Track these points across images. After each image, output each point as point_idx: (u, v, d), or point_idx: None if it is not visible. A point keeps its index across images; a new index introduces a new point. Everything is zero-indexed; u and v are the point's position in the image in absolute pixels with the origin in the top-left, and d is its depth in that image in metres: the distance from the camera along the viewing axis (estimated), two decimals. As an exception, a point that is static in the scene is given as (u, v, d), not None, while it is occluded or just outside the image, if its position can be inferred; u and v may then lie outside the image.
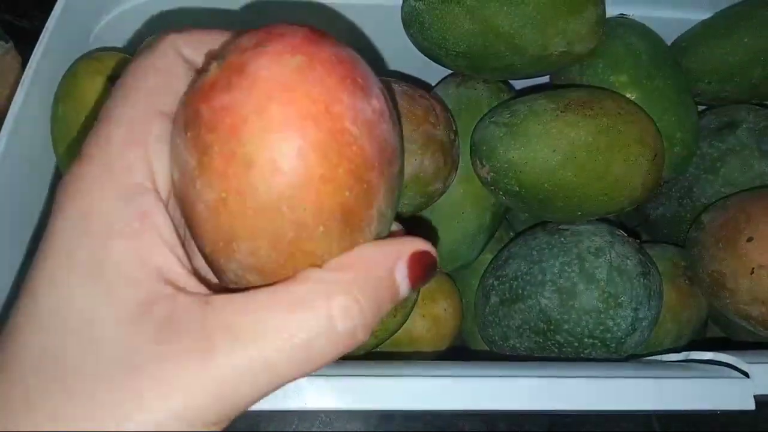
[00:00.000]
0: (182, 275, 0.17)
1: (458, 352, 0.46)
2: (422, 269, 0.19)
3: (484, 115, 0.39)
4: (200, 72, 0.19)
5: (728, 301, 0.36)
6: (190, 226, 0.19)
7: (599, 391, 0.30)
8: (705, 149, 0.44)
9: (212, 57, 0.18)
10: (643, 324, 0.37)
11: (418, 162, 0.35)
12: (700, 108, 0.48)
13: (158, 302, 0.17)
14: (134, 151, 0.18)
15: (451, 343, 0.44)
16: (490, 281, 0.41)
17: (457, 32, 0.38)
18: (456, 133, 0.38)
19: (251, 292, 0.17)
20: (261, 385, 0.16)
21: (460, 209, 0.41)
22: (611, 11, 0.45)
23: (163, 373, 0.16)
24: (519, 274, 0.39)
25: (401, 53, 0.43)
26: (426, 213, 0.41)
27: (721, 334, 0.47)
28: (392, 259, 0.19)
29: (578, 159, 0.35)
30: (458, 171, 0.40)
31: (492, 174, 0.37)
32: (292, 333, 0.16)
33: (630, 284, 0.36)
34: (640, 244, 0.39)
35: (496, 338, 0.41)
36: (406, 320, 0.38)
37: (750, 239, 0.34)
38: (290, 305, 0.17)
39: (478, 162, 0.38)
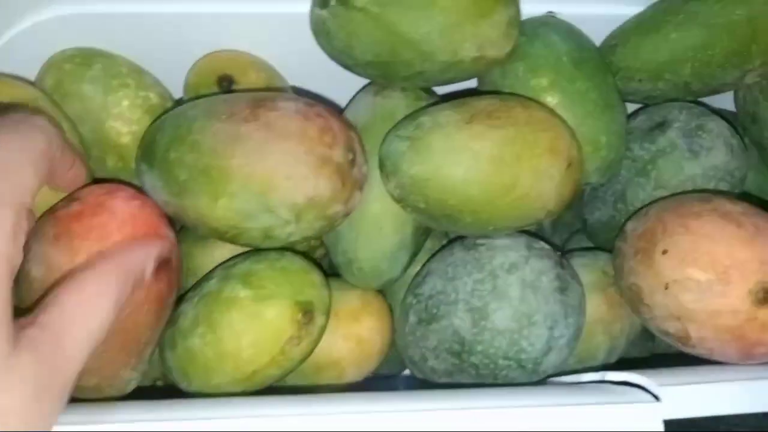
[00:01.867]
0: None
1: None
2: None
3: (393, 127, 0.37)
4: (57, 208, 0.31)
5: (647, 316, 0.35)
6: None
7: (497, 422, 0.28)
8: (636, 151, 0.42)
9: (70, 200, 0.31)
10: (560, 342, 0.35)
11: (311, 185, 0.33)
12: (636, 106, 0.46)
13: None
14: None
15: (379, 362, 0.43)
16: (409, 299, 0.39)
17: (362, 41, 0.37)
18: (359, 151, 0.36)
19: None
20: None
21: (378, 226, 0.39)
22: (539, 9, 0.43)
23: None
24: (434, 292, 0.37)
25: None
26: (344, 229, 0.40)
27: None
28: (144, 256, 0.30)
29: (483, 173, 0.34)
30: (375, 187, 0.39)
31: (398, 190, 0.36)
32: None
33: (544, 301, 0.35)
34: (562, 255, 0.37)
35: (416, 359, 0.39)
36: (312, 348, 0.37)
37: (665, 252, 0.33)
38: None
39: (385, 178, 0.36)
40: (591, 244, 0.47)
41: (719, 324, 0.31)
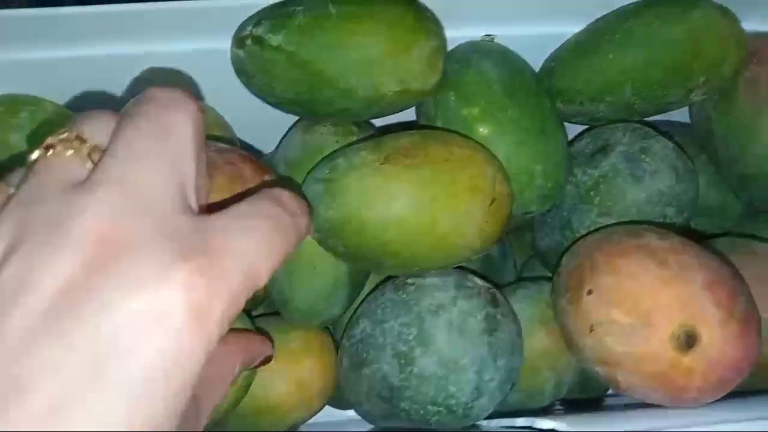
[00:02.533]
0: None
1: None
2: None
3: (312, 168, 0.36)
4: None
5: (579, 358, 0.33)
6: None
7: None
8: (580, 177, 0.40)
9: None
10: (491, 386, 0.34)
11: None
12: (583, 127, 0.44)
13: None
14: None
15: (323, 402, 0.42)
16: (343, 341, 0.38)
17: (281, 79, 0.36)
18: None
19: None
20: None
21: (310, 266, 0.38)
22: (476, 32, 0.42)
23: None
24: (364, 336, 0.36)
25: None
26: (279, 271, 0.39)
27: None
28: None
29: (399, 216, 0.32)
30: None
31: (317, 234, 0.35)
32: None
33: (471, 345, 0.33)
34: (496, 293, 0.36)
35: (353, 402, 0.38)
36: (239, 397, 0.36)
37: (590, 292, 0.31)
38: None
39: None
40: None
41: (644, 370, 0.29)
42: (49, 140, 0.18)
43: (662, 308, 0.29)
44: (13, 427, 0.14)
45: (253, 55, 0.36)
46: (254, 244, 0.17)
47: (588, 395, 0.45)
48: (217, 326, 0.16)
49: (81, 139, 0.18)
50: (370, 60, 0.35)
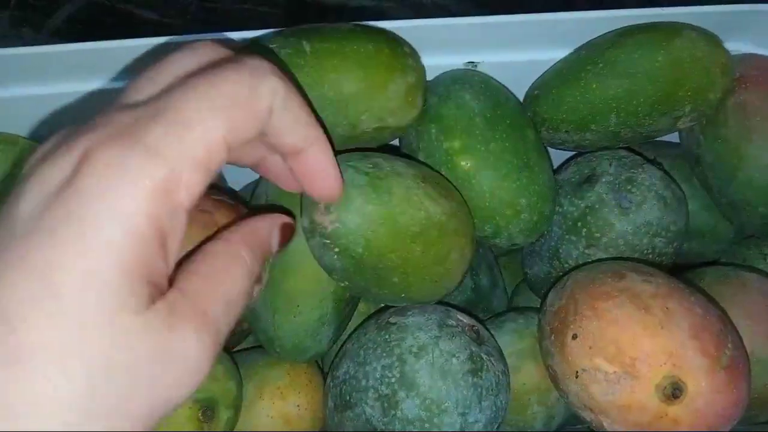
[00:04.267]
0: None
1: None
2: (286, 235, 0.26)
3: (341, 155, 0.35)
4: None
5: (566, 401, 0.33)
6: None
7: None
8: (567, 207, 0.39)
9: None
10: (476, 428, 0.33)
11: None
12: (571, 154, 0.43)
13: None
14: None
15: (312, 437, 0.41)
16: (328, 381, 0.38)
17: (258, 118, 0.35)
18: None
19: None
20: None
21: (293, 303, 0.38)
22: (459, 60, 0.41)
23: None
24: (347, 377, 0.36)
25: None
26: (260, 309, 0.38)
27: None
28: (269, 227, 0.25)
29: (430, 236, 0.32)
30: (287, 263, 0.37)
31: (337, 225, 0.32)
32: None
33: (455, 386, 0.33)
34: (479, 330, 0.35)
35: (339, 443, 0.37)
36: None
37: (575, 336, 0.30)
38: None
39: (322, 206, 0.32)
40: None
41: (630, 419, 0.29)
42: None
43: (647, 357, 0.28)
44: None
45: (229, 93, 0.35)
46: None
47: (583, 426, 0.45)
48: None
49: None
50: (345, 98, 0.34)
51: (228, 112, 0.20)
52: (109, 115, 0.20)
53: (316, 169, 0.25)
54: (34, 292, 0.17)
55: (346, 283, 0.34)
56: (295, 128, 0.23)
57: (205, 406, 0.33)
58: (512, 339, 0.39)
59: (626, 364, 0.28)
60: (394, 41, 0.36)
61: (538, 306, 0.42)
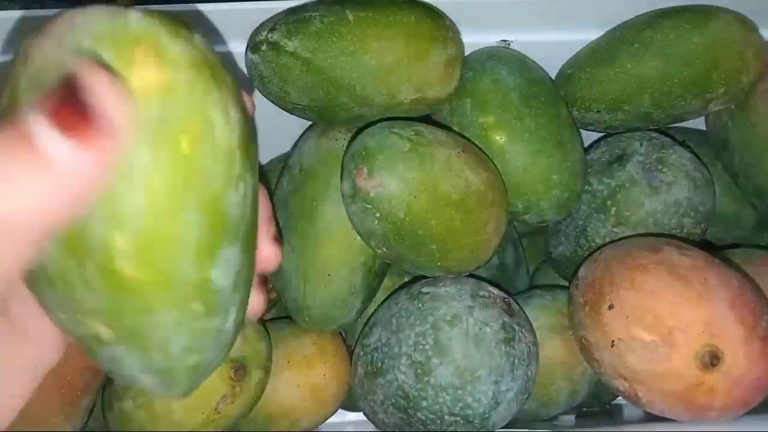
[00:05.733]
0: None
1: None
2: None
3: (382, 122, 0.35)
4: None
5: (598, 371, 0.33)
6: None
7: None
8: (596, 186, 0.40)
9: None
10: (508, 396, 0.34)
11: None
12: (600, 135, 0.44)
13: None
14: None
15: (336, 407, 0.42)
16: (357, 350, 0.38)
17: (296, 85, 0.35)
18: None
19: None
20: None
21: (324, 272, 0.38)
22: (492, 38, 0.41)
23: None
24: (379, 345, 0.36)
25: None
26: (292, 276, 0.39)
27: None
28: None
29: (469, 205, 0.33)
30: (321, 233, 0.37)
31: (379, 190, 0.32)
32: None
33: (488, 355, 0.33)
34: (511, 302, 0.36)
35: (367, 411, 0.38)
36: (252, 403, 0.36)
37: (611, 307, 0.31)
38: None
39: (365, 171, 0.32)
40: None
41: (666, 388, 0.29)
42: None
43: (685, 327, 0.29)
44: None
45: (268, 60, 0.35)
46: None
47: (600, 403, 0.45)
48: None
49: None
50: (386, 67, 0.35)
51: None
52: None
53: None
54: None
55: (384, 249, 0.35)
56: None
57: (237, 366, 0.34)
58: (539, 314, 0.39)
59: (664, 333, 0.29)
60: (435, 13, 0.36)
61: (562, 286, 0.43)
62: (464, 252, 0.34)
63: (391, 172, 0.32)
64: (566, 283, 0.43)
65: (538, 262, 0.50)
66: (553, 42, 0.42)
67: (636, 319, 0.30)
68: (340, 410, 0.44)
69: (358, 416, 0.46)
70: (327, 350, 0.41)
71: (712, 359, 0.28)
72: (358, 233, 0.36)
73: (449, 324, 0.34)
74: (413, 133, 0.33)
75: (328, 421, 0.43)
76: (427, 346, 0.34)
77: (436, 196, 0.32)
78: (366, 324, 0.39)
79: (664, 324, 0.29)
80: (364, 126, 0.36)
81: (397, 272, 0.44)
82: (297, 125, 0.42)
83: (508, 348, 0.34)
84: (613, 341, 0.30)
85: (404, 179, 0.32)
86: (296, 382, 0.40)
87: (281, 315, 0.44)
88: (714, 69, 0.37)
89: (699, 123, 0.46)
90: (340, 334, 0.44)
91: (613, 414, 0.43)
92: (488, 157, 0.36)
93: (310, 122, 0.41)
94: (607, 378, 0.32)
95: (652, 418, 0.35)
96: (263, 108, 0.38)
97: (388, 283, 0.43)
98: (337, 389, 0.41)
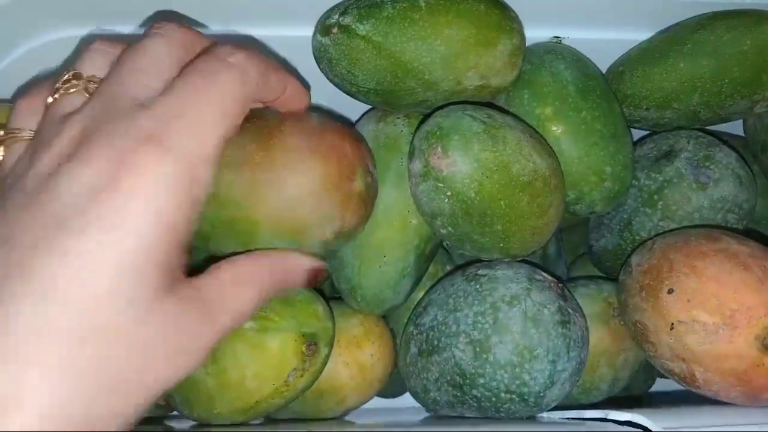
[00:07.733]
0: None
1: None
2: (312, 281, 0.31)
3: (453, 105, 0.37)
4: None
5: (651, 354, 0.34)
6: None
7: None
8: (643, 180, 0.41)
9: None
10: (563, 376, 0.35)
11: (339, 223, 0.32)
12: (644, 133, 0.45)
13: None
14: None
15: (382, 386, 0.42)
16: (410, 329, 0.39)
17: (365, 68, 0.36)
18: (372, 165, 0.35)
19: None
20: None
21: (380, 254, 0.39)
22: (545, 34, 0.43)
23: None
24: (435, 324, 0.37)
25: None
26: (348, 257, 0.39)
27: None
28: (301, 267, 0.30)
29: (536, 188, 0.34)
30: (379, 214, 0.38)
31: (453, 169, 0.33)
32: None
33: (546, 335, 0.34)
34: (564, 287, 0.37)
35: (418, 390, 0.39)
36: (315, 378, 0.36)
37: (671, 291, 0.32)
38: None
39: (439, 150, 0.33)
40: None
41: (725, 368, 0.30)
42: (56, 85, 0.24)
43: (747, 310, 0.30)
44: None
45: (338, 43, 0.36)
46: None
47: (633, 392, 0.46)
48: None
49: (78, 77, 0.24)
50: (455, 54, 0.36)
51: (228, 107, 0.24)
52: (126, 114, 0.22)
53: (293, 100, 0.31)
54: (70, 280, 0.20)
55: (449, 229, 0.36)
56: (275, 89, 0.28)
57: (310, 341, 0.34)
58: (584, 303, 0.40)
59: (726, 315, 0.30)
60: (502, 4, 0.37)
61: (604, 277, 0.44)
62: (526, 234, 0.35)
63: (465, 152, 0.33)
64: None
65: (573, 258, 0.51)
66: (602, 40, 0.43)
67: (698, 302, 0.31)
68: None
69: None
70: (374, 331, 0.42)
71: (773, 341, 0.29)
72: (423, 213, 0.36)
73: (508, 304, 0.35)
74: (486, 116, 0.34)
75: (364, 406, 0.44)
76: (486, 325, 0.35)
77: (507, 177, 0.33)
78: (418, 305, 0.40)
79: (727, 307, 0.30)
80: (430, 112, 0.37)
81: (441, 260, 0.45)
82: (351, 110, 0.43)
83: (564, 330, 0.35)
84: (672, 323, 0.32)
85: (477, 159, 0.33)
86: (345, 360, 0.41)
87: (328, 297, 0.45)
88: (764, 71, 0.39)
89: (733, 128, 0.47)
90: (383, 317, 0.45)
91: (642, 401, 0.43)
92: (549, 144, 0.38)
93: (368, 108, 0.42)
94: (662, 361, 0.33)
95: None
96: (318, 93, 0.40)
97: (431, 270, 0.44)
98: (383, 370, 0.42)
